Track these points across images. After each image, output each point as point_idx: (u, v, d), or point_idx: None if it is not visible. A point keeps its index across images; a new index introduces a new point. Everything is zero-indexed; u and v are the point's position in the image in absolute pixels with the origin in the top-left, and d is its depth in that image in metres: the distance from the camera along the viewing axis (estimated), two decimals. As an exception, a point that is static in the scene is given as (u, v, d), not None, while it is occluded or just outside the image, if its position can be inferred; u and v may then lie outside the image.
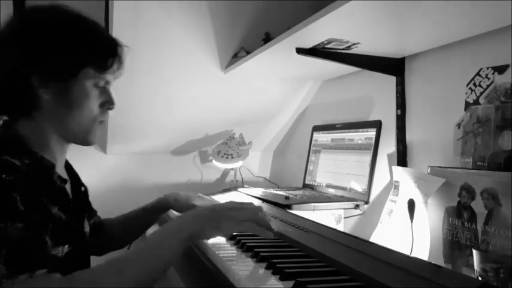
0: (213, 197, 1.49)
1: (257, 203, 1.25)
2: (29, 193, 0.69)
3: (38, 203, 0.72)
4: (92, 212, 1.09)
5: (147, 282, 0.69)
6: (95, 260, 0.85)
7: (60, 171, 0.87)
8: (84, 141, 0.87)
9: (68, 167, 0.96)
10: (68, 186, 0.88)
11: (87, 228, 0.95)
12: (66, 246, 0.78)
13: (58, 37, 0.79)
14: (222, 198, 1.45)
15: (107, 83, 0.87)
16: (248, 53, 1.47)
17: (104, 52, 0.84)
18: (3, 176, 0.67)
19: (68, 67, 0.80)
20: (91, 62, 0.82)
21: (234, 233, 0.93)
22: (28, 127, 0.81)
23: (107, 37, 0.86)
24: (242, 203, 0.80)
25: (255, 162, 2.07)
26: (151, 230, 1.23)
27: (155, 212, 1.16)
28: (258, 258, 0.78)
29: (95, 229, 1.08)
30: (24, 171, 0.72)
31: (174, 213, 1.21)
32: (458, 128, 0.99)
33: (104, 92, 0.87)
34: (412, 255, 0.93)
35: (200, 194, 1.25)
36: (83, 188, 0.97)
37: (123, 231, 1.15)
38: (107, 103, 0.88)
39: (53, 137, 0.83)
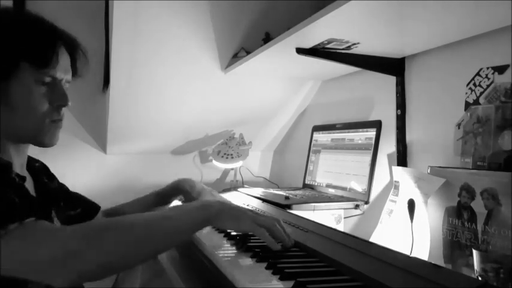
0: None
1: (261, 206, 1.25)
2: None
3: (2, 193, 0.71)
4: (76, 204, 1.07)
5: (147, 254, 0.71)
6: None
7: (18, 170, 0.85)
8: (37, 141, 0.84)
9: (32, 166, 0.94)
10: (30, 185, 0.87)
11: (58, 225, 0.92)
12: None
13: None
14: (222, 198, 1.45)
15: (55, 79, 0.83)
16: (248, 53, 1.47)
17: (39, 46, 0.80)
18: None
19: (3, 64, 0.77)
20: (25, 58, 0.79)
21: (234, 233, 0.93)
22: None
23: (44, 31, 0.82)
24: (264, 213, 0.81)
25: (255, 162, 2.07)
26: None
27: (170, 195, 1.17)
28: (258, 258, 0.77)
29: (87, 218, 1.07)
30: None
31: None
32: (458, 128, 0.99)
33: (53, 88, 0.83)
34: (412, 255, 0.93)
35: (214, 192, 1.24)
36: (56, 183, 0.97)
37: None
38: (57, 100, 0.83)
39: (4, 138, 0.82)
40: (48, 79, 0.82)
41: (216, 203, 0.80)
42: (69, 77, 0.88)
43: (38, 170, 0.97)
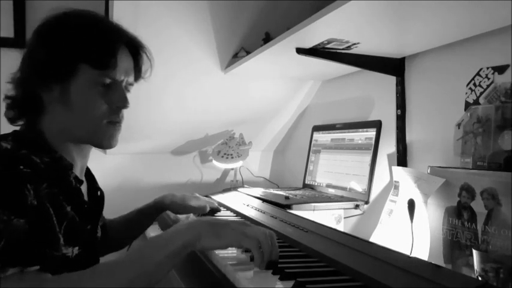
0: (213, 197, 1.49)
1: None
2: (44, 188, 0.69)
3: (53, 199, 0.71)
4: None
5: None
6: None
7: (78, 173, 0.85)
8: (94, 143, 0.85)
9: (87, 171, 0.94)
10: (84, 189, 0.87)
11: (99, 233, 0.93)
12: (76, 248, 0.77)
13: (50, 38, 0.79)
14: (222, 198, 1.45)
15: (115, 81, 0.82)
16: (248, 53, 1.47)
17: (98, 48, 0.79)
18: (21, 167, 0.68)
19: (62, 65, 0.78)
20: (84, 59, 0.79)
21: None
22: (47, 128, 0.81)
23: (104, 32, 0.81)
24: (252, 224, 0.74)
25: (255, 162, 2.07)
26: (153, 231, 1.23)
27: (152, 213, 1.15)
28: (258, 258, 0.77)
29: (102, 231, 1.08)
30: (42, 168, 0.72)
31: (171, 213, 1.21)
32: (458, 128, 0.99)
33: (113, 90, 0.82)
34: (412, 255, 0.93)
35: (197, 194, 1.24)
36: (99, 193, 0.95)
37: (122, 232, 1.14)
38: (116, 102, 0.83)
39: (66, 139, 0.82)
40: (108, 81, 0.81)
41: (186, 227, 0.71)
42: (131, 79, 0.87)
43: (90, 174, 0.97)
